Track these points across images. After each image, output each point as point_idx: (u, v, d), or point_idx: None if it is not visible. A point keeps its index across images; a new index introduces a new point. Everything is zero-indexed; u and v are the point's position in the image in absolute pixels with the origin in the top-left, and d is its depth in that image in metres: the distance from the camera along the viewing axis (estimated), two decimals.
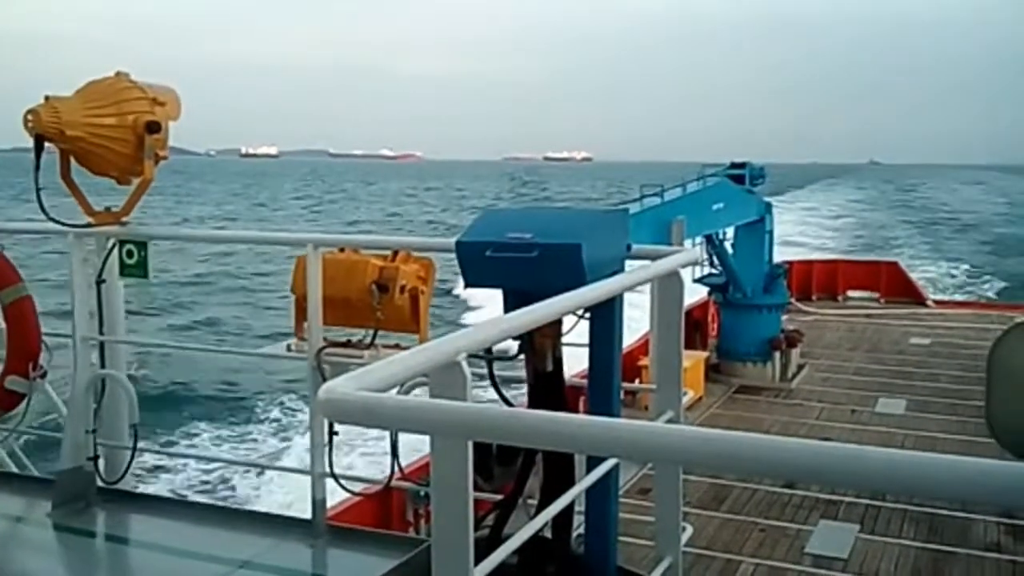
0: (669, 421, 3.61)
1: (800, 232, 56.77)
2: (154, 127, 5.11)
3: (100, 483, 5.24)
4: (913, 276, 23.38)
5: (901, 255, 46.92)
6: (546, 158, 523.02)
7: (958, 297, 32.12)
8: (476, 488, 2.29)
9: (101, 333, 5.27)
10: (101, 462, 5.26)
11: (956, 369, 15.04)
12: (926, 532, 8.84)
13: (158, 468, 15.04)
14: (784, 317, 15.95)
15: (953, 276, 41.68)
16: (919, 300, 21.55)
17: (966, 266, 45.04)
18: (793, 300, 18.42)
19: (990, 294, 36.34)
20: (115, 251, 5.29)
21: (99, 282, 5.27)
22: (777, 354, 14.87)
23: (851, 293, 22.12)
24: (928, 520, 9.03)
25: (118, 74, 5.21)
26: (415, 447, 6.13)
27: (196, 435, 18.47)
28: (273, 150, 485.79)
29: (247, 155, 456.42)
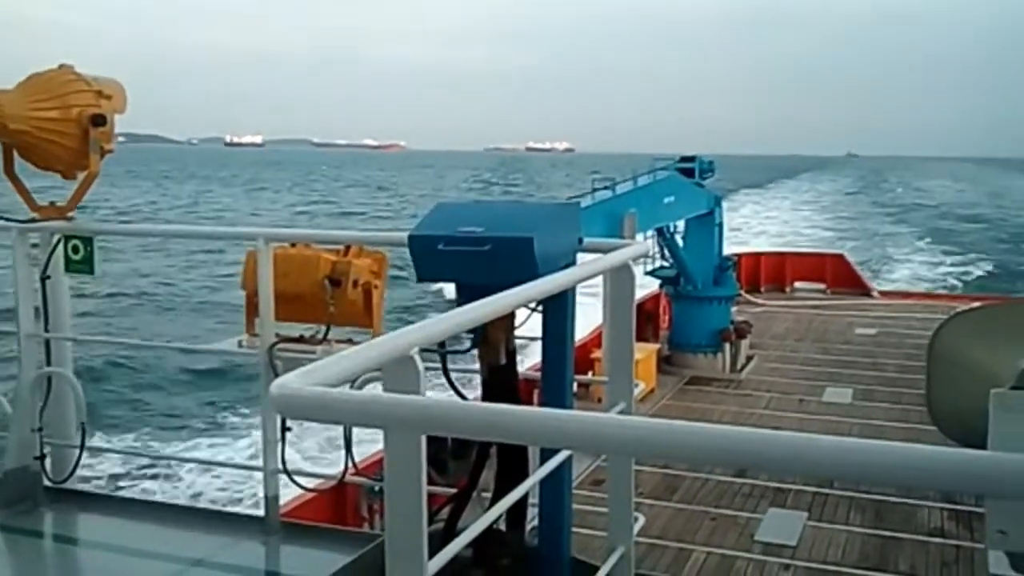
0: (621, 413, 3.64)
1: (793, 220, 58.97)
2: (99, 120, 5.02)
3: (47, 482, 5.15)
4: (857, 268, 23.81)
5: (891, 244, 48.92)
6: (528, 148, 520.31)
7: (923, 286, 33.01)
8: (431, 482, 2.30)
9: (46, 330, 5.18)
10: (48, 461, 5.17)
11: (901, 358, 15.37)
12: (872, 518, 9.03)
13: (107, 467, 14.82)
14: (734, 309, 16.15)
15: (936, 265, 42.92)
16: (864, 291, 21.96)
17: (952, 256, 46.47)
18: (742, 292, 18.67)
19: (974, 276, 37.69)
20: (60, 247, 5.20)
21: (44, 278, 5.18)
22: (727, 345, 15.06)
23: (798, 285, 22.47)
24: (874, 507, 9.23)
25: (62, 66, 5.12)
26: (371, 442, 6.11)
27: (146, 433, 18.21)
28: (258, 139, 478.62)
29: (232, 144, 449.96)
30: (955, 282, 37.85)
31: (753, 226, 54.34)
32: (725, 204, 16.97)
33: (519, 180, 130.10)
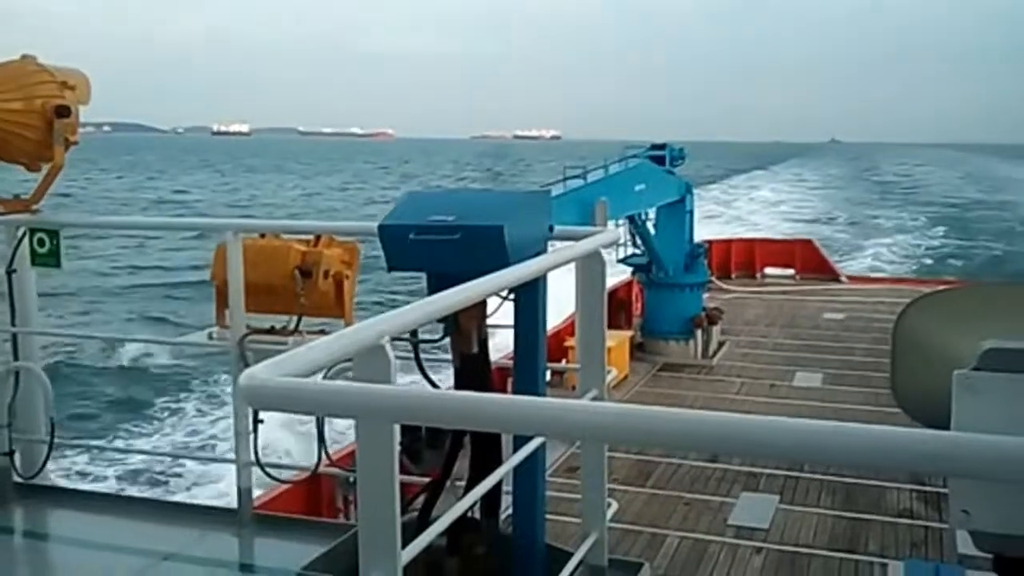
0: (594, 399, 3.66)
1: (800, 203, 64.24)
2: (63, 111, 4.96)
3: (17, 479, 5.10)
4: (825, 253, 24.03)
5: (882, 222, 53.08)
6: (516, 136, 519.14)
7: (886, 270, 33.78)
8: (406, 472, 2.30)
9: (13, 324, 5.12)
10: (17, 457, 5.12)
11: (869, 342, 15.53)
12: (843, 501, 9.14)
13: (77, 462, 14.68)
14: (705, 295, 16.25)
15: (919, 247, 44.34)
16: (833, 276, 22.18)
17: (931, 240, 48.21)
18: (713, 278, 18.79)
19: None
20: (26, 240, 5.13)
21: (9, 272, 5.12)
22: (699, 331, 15.15)
23: (768, 271, 22.66)
24: (844, 489, 9.35)
25: (24, 57, 5.04)
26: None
27: (116, 427, 18.04)
28: (245, 128, 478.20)
29: (219, 133, 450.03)
30: (948, 258, 39.55)
31: (755, 211, 57.54)
32: (697, 191, 17.05)
33: (522, 166, 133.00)
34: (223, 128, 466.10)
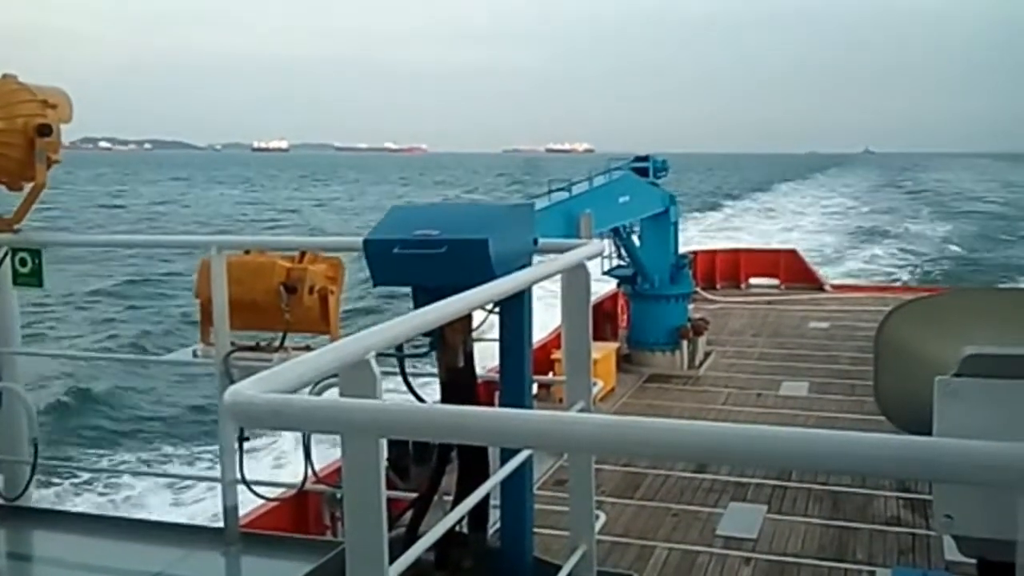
0: (580, 411, 3.66)
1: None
2: (45, 130, 4.95)
3: (0, 501, 5.05)
4: (809, 262, 24.13)
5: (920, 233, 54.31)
6: (548, 150, 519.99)
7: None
8: (394, 488, 2.29)
9: None
10: (0, 479, 5.07)
11: (854, 351, 15.60)
12: (830, 509, 9.16)
13: (62, 483, 14.54)
14: (690, 306, 16.28)
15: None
16: (817, 285, 22.28)
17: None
18: (698, 289, 18.82)
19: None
20: (7, 260, 5.10)
21: None
22: (685, 342, 15.17)
23: (753, 280, 22.74)
24: (832, 498, 9.37)
25: (5, 76, 5.03)
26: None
27: (101, 447, 17.90)
28: (284, 144, 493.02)
29: (259, 149, 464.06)
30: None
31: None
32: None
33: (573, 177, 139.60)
34: (262, 144, 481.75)
